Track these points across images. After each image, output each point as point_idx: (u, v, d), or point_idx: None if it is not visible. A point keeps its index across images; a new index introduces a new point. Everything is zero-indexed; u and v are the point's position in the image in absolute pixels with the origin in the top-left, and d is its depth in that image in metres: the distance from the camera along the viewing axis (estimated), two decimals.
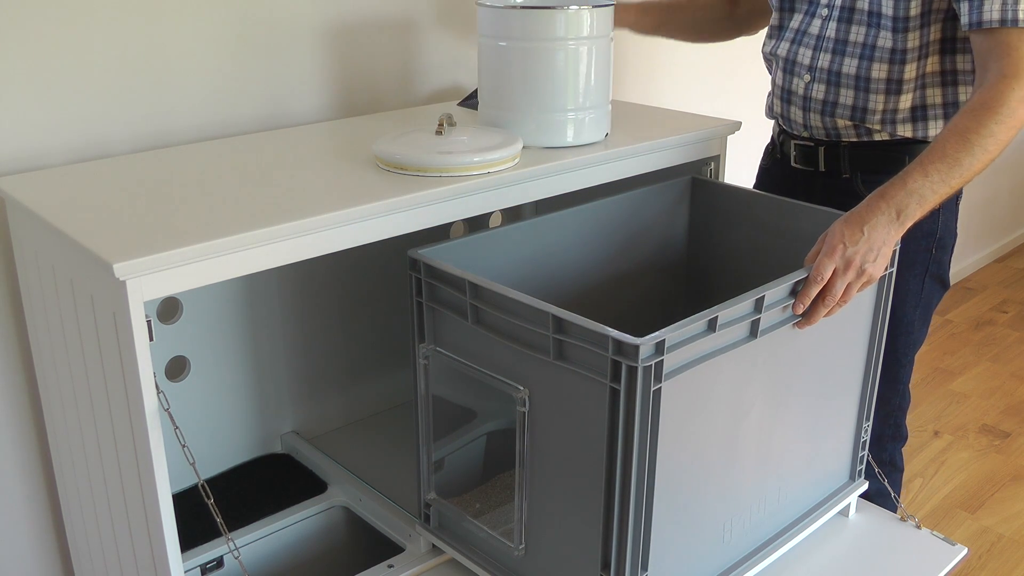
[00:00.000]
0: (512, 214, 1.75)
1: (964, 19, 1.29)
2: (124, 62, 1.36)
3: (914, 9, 1.35)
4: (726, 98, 2.35)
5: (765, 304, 1.08)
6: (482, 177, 1.22)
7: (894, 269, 1.27)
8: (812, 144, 1.52)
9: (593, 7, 1.32)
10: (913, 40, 1.37)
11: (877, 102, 1.42)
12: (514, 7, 1.32)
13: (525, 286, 1.24)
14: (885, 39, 1.38)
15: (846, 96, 1.44)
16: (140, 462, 1.04)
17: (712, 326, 1.02)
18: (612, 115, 1.43)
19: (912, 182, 1.20)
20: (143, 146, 1.40)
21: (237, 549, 1.13)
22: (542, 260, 1.36)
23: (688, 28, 1.76)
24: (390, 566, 1.29)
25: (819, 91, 1.46)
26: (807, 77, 1.47)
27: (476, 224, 1.68)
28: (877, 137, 1.45)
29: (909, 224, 1.20)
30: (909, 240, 1.46)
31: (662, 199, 1.50)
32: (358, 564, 1.29)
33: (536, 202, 1.62)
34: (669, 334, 0.97)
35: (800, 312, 1.13)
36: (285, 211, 1.08)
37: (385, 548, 1.36)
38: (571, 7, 1.30)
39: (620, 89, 2.06)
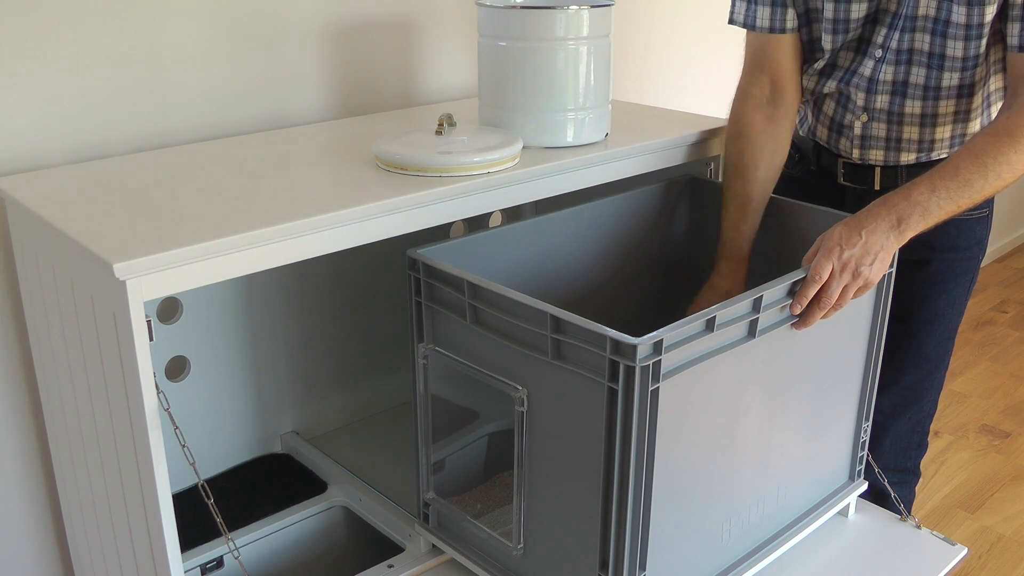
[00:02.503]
0: (512, 214, 1.75)
1: (1013, 40, 1.26)
2: (124, 62, 1.36)
3: (983, 48, 1.31)
4: (726, 98, 2.34)
5: (763, 304, 1.08)
6: (482, 177, 1.22)
7: (893, 270, 1.27)
8: (865, 165, 1.46)
9: (593, 7, 1.32)
10: (980, 73, 1.34)
11: (944, 132, 1.39)
12: (514, 7, 1.32)
13: (524, 286, 1.24)
14: (951, 79, 1.34)
15: (911, 132, 1.40)
16: (140, 462, 1.05)
17: (710, 326, 1.02)
18: (612, 115, 1.43)
19: (917, 194, 1.19)
20: (143, 146, 1.41)
21: (237, 549, 1.13)
22: (542, 260, 1.36)
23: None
24: (390, 566, 1.29)
25: (880, 129, 1.41)
26: (864, 117, 1.41)
27: (476, 224, 1.68)
28: (936, 156, 1.41)
29: (910, 235, 1.19)
30: (965, 249, 1.47)
31: (662, 199, 1.50)
32: (358, 564, 1.29)
33: (536, 202, 1.62)
34: (667, 334, 0.97)
35: (797, 312, 1.13)
36: (285, 211, 1.09)
37: (385, 548, 1.36)
38: (571, 7, 1.30)
39: (620, 89, 2.06)
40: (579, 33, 1.32)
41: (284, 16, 1.51)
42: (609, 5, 1.35)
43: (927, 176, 1.21)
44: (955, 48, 1.32)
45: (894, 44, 1.35)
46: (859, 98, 1.41)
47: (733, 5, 1.43)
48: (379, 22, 1.64)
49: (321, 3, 1.55)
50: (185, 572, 1.14)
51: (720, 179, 1.54)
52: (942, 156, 1.41)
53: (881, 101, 1.40)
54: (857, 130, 1.44)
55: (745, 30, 1.42)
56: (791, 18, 1.38)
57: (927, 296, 1.48)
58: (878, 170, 1.45)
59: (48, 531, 1.46)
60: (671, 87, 2.26)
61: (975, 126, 1.39)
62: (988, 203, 1.42)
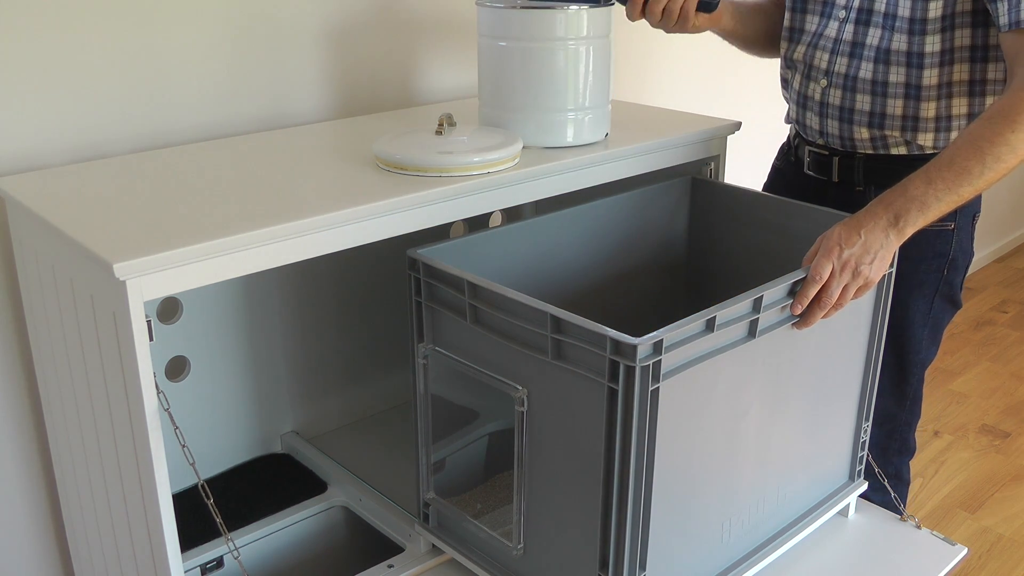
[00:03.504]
0: (512, 214, 1.75)
1: (1003, 19, 1.25)
2: (124, 62, 1.36)
3: (933, 11, 1.31)
4: (726, 98, 2.35)
5: (763, 304, 1.08)
6: (482, 177, 1.22)
7: (893, 270, 1.27)
8: (827, 153, 1.49)
9: (592, 7, 1.32)
10: (932, 44, 1.33)
11: (895, 107, 1.39)
12: (514, 7, 1.32)
13: (524, 286, 1.24)
14: (900, 42, 1.35)
15: (863, 102, 1.41)
16: (140, 462, 1.05)
17: (710, 326, 1.02)
18: (612, 115, 1.43)
19: (913, 189, 1.18)
20: (143, 146, 1.41)
21: (237, 549, 1.13)
22: (542, 260, 1.36)
23: (758, 36, 1.60)
24: (390, 566, 1.29)
25: (836, 96, 1.43)
26: (824, 82, 1.44)
27: (476, 224, 1.68)
28: (894, 151, 1.42)
29: (911, 231, 1.18)
30: (920, 261, 1.44)
31: (662, 199, 1.50)
32: (358, 564, 1.29)
33: (536, 202, 1.62)
34: (667, 334, 0.97)
35: (798, 312, 1.13)
36: (285, 211, 1.09)
37: (385, 548, 1.36)
38: (571, 7, 1.30)
39: (620, 89, 2.06)
40: (579, 33, 1.32)
41: (284, 16, 1.51)
42: (609, 5, 1.35)
43: (923, 169, 1.20)
44: (904, 7, 1.33)
45: (856, 3, 1.40)
46: (822, 60, 1.44)
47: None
48: (379, 22, 1.64)
49: (321, 3, 1.55)
50: (185, 572, 1.14)
51: (720, 179, 1.55)
52: (897, 149, 1.41)
53: (840, 63, 1.42)
54: (817, 96, 1.46)
55: None
56: None
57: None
58: (836, 160, 1.48)
59: (48, 531, 1.46)
60: (671, 87, 2.26)
61: (928, 110, 1.38)
62: (954, 215, 1.40)
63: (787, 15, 1.52)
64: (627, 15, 1.39)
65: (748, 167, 1.81)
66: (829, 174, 1.49)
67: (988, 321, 3.48)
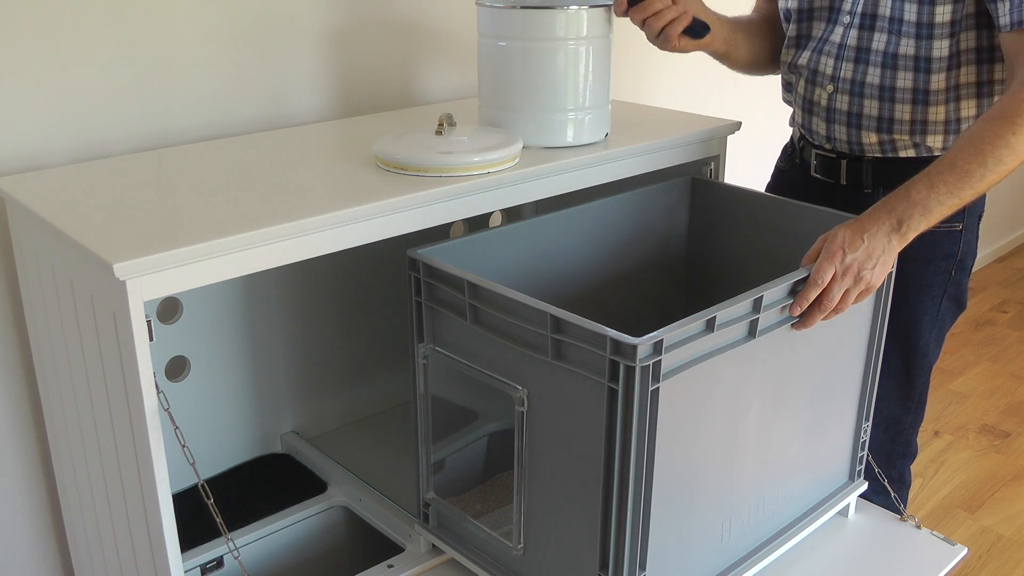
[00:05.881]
0: (512, 214, 1.75)
1: (1004, 19, 1.25)
2: (124, 62, 1.36)
3: (940, 16, 1.30)
4: (726, 98, 2.34)
5: (763, 304, 1.08)
6: (482, 177, 1.22)
7: (894, 270, 1.27)
8: (834, 156, 1.48)
9: (592, 7, 1.32)
10: (940, 49, 1.32)
11: (904, 112, 1.38)
12: (514, 7, 1.32)
13: (525, 286, 1.24)
14: (907, 47, 1.34)
15: (871, 107, 1.40)
16: (140, 462, 1.05)
17: (710, 326, 1.02)
18: (612, 115, 1.43)
19: (916, 193, 1.18)
20: (143, 146, 1.41)
21: (237, 549, 1.13)
22: (542, 260, 1.36)
23: (752, 53, 1.58)
24: (390, 566, 1.29)
25: (843, 102, 1.42)
26: (830, 87, 1.43)
27: (476, 224, 1.68)
28: (903, 154, 1.41)
29: (913, 235, 1.18)
30: (929, 262, 1.44)
31: (662, 199, 1.50)
32: (358, 564, 1.29)
33: (536, 202, 1.62)
34: (667, 334, 0.97)
35: (797, 314, 1.13)
36: (285, 211, 1.09)
37: (385, 548, 1.36)
38: (571, 7, 1.30)
39: (620, 89, 2.06)
40: (579, 33, 1.32)
41: (284, 16, 1.51)
42: (609, 5, 1.35)
43: (925, 173, 1.20)
44: (910, 11, 1.32)
45: (860, 8, 1.38)
46: (828, 66, 1.43)
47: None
48: (379, 22, 1.64)
49: (321, 3, 1.55)
50: (185, 572, 1.14)
51: (720, 179, 1.55)
52: (906, 151, 1.41)
53: (846, 69, 1.41)
54: (823, 101, 1.45)
55: None
56: None
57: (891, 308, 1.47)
58: (844, 163, 1.46)
59: (48, 531, 1.46)
60: (671, 87, 2.26)
61: (937, 114, 1.37)
62: (961, 216, 1.40)
63: (792, 25, 1.50)
64: (614, 10, 1.37)
65: (748, 167, 1.81)
66: (837, 176, 1.48)
67: (988, 321, 3.48)
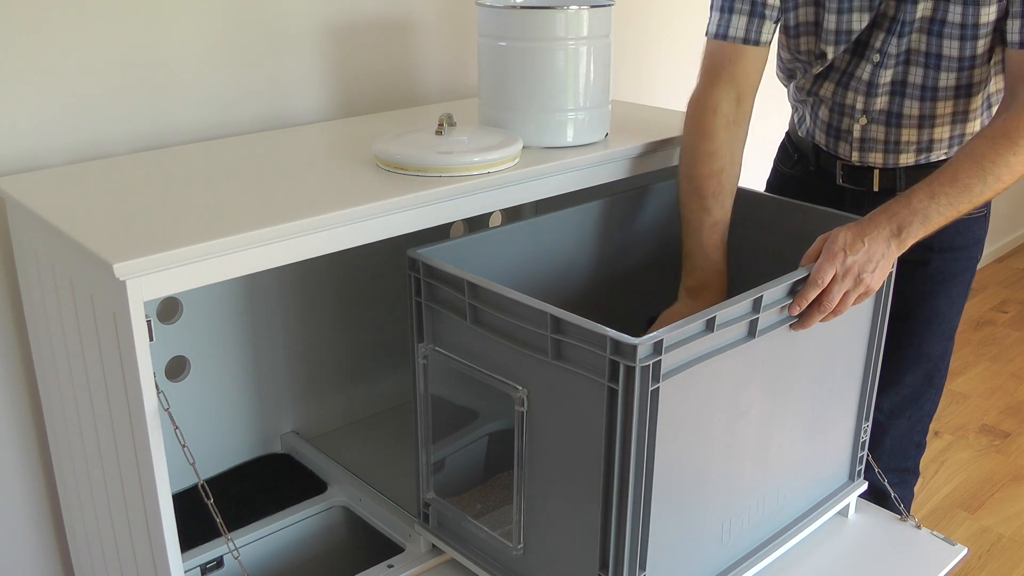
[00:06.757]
0: (512, 214, 1.75)
1: (1016, 36, 1.26)
2: (124, 62, 1.36)
3: (981, 48, 1.31)
4: None
5: (763, 304, 1.08)
6: (482, 177, 1.22)
7: (893, 270, 1.27)
8: (864, 167, 1.47)
9: (592, 7, 1.32)
10: (980, 74, 1.34)
11: (944, 132, 1.39)
12: (514, 7, 1.32)
13: (525, 286, 1.24)
14: (948, 79, 1.34)
15: (909, 135, 1.40)
16: (140, 462, 1.05)
17: (710, 326, 1.02)
18: (612, 115, 1.43)
19: (917, 202, 1.19)
20: (143, 146, 1.41)
21: (237, 549, 1.13)
22: (542, 260, 1.36)
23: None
24: (390, 566, 1.29)
25: (878, 132, 1.41)
26: (863, 119, 1.41)
27: (476, 224, 1.68)
28: (935, 159, 1.42)
29: (911, 242, 1.19)
30: (963, 248, 1.47)
31: (662, 199, 1.50)
32: (358, 564, 1.29)
33: (536, 202, 1.62)
34: (667, 334, 0.97)
35: (796, 313, 1.13)
36: (285, 211, 1.09)
37: (385, 548, 1.36)
38: (571, 7, 1.30)
39: (620, 89, 2.06)
40: (579, 33, 1.32)
41: (284, 16, 1.51)
42: (609, 5, 1.35)
43: (926, 182, 1.21)
44: (951, 48, 1.32)
45: (892, 49, 1.36)
46: (858, 102, 1.41)
47: (709, 16, 1.41)
48: (380, 22, 1.64)
49: (321, 3, 1.55)
50: (185, 572, 1.14)
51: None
52: (941, 158, 1.41)
53: (880, 103, 1.40)
54: (856, 133, 1.44)
55: (705, 40, 1.41)
56: (767, 31, 1.37)
57: (927, 296, 1.49)
58: (877, 172, 1.46)
59: (48, 531, 1.46)
60: (671, 87, 2.25)
61: (974, 126, 1.39)
62: (987, 203, 1.42)
63: (816, 47, 1.42)
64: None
65: (748, 167, 1.80)
66: (868, 185, 1.47)
67: (988, 321, 3.48)
